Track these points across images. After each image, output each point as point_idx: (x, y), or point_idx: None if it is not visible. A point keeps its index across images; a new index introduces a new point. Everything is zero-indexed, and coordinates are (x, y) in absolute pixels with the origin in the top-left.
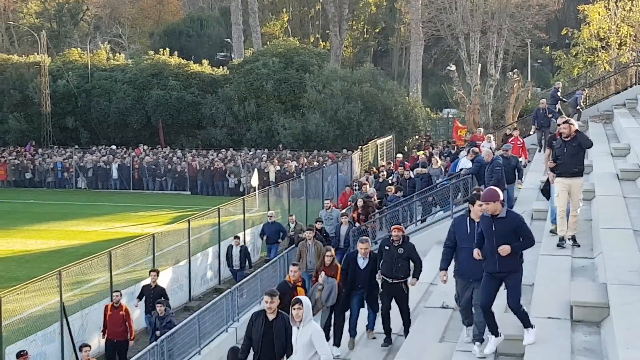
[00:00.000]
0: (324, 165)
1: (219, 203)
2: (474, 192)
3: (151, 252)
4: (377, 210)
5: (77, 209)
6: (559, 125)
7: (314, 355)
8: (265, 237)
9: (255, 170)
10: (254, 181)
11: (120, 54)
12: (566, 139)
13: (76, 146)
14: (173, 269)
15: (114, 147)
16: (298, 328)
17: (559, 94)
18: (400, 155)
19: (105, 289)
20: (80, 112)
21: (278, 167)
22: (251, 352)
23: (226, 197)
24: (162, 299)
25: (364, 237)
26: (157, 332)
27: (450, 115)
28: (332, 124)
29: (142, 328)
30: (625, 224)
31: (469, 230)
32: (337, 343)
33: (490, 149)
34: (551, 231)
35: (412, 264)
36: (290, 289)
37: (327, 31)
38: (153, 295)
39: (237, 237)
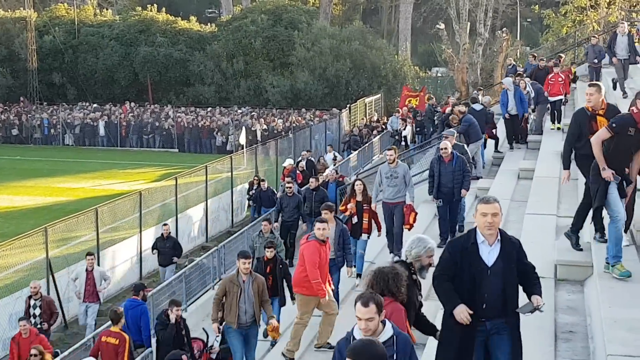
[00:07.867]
0: (311, 123)
1: (207, 161)
2: None
3: (138, 209)
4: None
5: (64, 165)
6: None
7: None
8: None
9: (243, 128)
10: (242, 139)
11: (107, 9)
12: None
13: (63, 103)
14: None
15: (95, 105)
16: None
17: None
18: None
19: (91, 246)
20: (67, 69)
21: (265, 126)
22: None
23: (214, 155)
24: None
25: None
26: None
27: (439, 74)
28: (321, 82)
29: None
30: None
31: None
32: None
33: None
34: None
35: None
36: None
37: None
38: None
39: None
